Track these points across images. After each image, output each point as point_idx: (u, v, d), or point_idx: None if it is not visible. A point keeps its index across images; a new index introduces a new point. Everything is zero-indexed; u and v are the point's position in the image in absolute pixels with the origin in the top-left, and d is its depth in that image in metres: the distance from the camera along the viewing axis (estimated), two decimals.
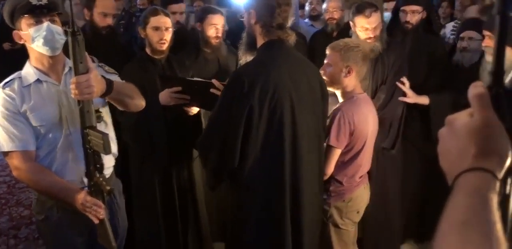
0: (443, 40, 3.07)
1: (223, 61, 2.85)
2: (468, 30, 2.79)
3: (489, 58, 2.39)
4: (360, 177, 2.25)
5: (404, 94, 2.72)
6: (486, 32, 2.40)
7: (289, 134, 1.82)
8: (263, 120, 1.77)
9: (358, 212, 2.27)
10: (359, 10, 2.63)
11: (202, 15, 2.78)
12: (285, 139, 1.82)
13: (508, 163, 0.59)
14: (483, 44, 2.42)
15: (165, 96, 2.31)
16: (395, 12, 2.98)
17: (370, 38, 2.65)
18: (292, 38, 1.88)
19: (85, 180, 1.75)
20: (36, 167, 1.76)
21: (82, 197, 1.69)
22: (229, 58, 2.88)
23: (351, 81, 2.17)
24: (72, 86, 1.53)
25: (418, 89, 2.77)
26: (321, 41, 3.57)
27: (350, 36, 2.84)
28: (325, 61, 2.21)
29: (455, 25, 4.08)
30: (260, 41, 1.87)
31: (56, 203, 1.81)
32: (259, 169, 1.83)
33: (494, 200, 0.55)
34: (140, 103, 1.91)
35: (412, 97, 2.72)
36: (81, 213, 1.70)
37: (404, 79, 2.71)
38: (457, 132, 0.62)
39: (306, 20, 4.40)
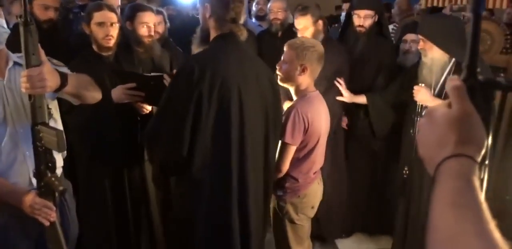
0: (392, 43, 3.22)
1: (157, 61, 2.73)
2: (410, 33, 2.98)
3: (425, 59, 2.54)
4: (314, 173, 2.31)
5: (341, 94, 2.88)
6: (420, 36, 2.54)
7: (237, 125, 1.84)
8: (212, 108, 1.78)
9: (312, 208, 2.32)
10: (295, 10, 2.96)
11: (131, 13, 2.61)
12: (232, 129, 1.84)
13: (484, 149, 0.64)
14: (419, 47, 2.56)
15: (118, 92, 2.22)
16: (348, 14, 3.09)
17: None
18: (244, 33, 1.93)
19: (34, 180, 1.64)
20: None
21: (30, 199, 1.59)
22: (163, 57, 2.78)
23: (305, 79, 2.21)
24: (23, 79, 1.44)
25: (367, 89, 2.94)
26: (266, 41, 3.65)
27: (294, 37, 2.93)
28: (282, 58, 2.24)
29: (394, 27, 4.31)
30: (213, 34, 1.91)
31: (1, 207, 1.68)
32: (207, 159, 1.83)
33: (477, 183, 0.59)
34: (97, 94, 1.83)
35: (348, 97, 2.88)
36: (29, 217, 1.60)
37: (341, 80, 2.87)
38: (437, 122, 0.66)
39: (253, 20, 4.44)
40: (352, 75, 2.99)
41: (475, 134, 0.64)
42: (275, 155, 2.11)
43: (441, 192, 0.60)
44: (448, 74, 2.49)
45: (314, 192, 2.32)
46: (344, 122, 3.10)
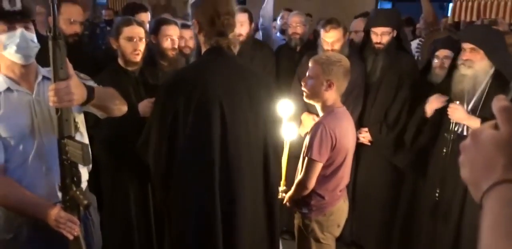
0: (413, 57, 3.18)
1: None
2: (443, 48, 2.88)
3: (467, 71, 2.45)
4: (340, 191, 2.26)
5: None
6: (468, 45, 2.44)
7: (218, 140, 1.78)
8: (189, 122, 1.76)
9: (338, 226, 2.26)
10: (323, 25, 3.02)
11: (156, 27, 2.68)
12: (213, 145, 1.78)
13: None
14: (464, 58, 2.46)
15: (145, 106, 2.23)
16: (367, 32, 3.07)
17: (329, 51, 2.91)
18: (235, 46, 1.91)
19: (59, 194, 1.64)
20: (4, 181, 1.64)
21: (55, 212, 1.59)
22: None
23: (332, 95, 2.17)
24: (51, 93, 1.45)
25: (389, 105, 2.94)
26: (285, 55, 3.65)
27: (314, 51, 3.03)
28: (307, 74, 2.21)
29: (420, 42, 4.25)
30: (203, 49, 1.91)
31: (26, 220, 1.68)
32: (189, 175, 1.79)
33: None
34: (123, 107, 1.85)
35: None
36: (53, 230, 1.59)
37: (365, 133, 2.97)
38: (484, 144, 0.62)
39: (278, 34, 4.45)
40: (375, 91, 2.98)
41: None
42: (276, 172, 2.02)
43: (492, 221, 0.56)
44: (486, 87, 2.42)
45: (341, 210, 2.27)
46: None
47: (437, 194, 2.57)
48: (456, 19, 4.32)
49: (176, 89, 1.79)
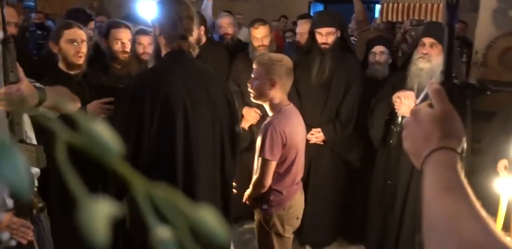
0: (357, 56, 3.34)
1: None
2: (378, 45, 3.11)
3: (426, 65, 2.60)
4: (297, 184, 2.35)
5: None
6: (431, 40, 2.60)
7: (182, 143, 1.82)
8: (153, 127, 1.77)
9: (297, 218, 2.35)
10: (251, 24, 3.37)
11: (106, 30, 2.71)
12: (177, 148, 1.81)
13: (464, 142, 0.73)
14: (424, 51, 2.61)
15: (96, 107, 2.21)
16: (311, 33, 3.16)
17: (260, 46, 3.27)
18: (195, 49, 1.95)
19: (8, 201, 1.60)
20: None
21: (7, 219, 1.55)
22: None
23: (277, 94, 2.24)
24: (1, 97, 1.42)
25: (339, 103, 3.06)
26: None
27: (245, 50, 3.26)
28: (252, 75, 2.28)
29: (353, 42, 4.50)
30: (163, 52, 1.93)
31: None
32: (151, 176, 1.81)
33: (461, 171, 0.68)
34: (77, 104, 1.84)
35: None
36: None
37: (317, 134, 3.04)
38: (422, 120, 0.76)
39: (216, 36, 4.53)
40: (326, 91, 3.08)
41: (456, 129, 0.73)
42: (233, 171, 2.08)
43: (432, 180, 0.68)
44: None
45: (298, 202, 2.36)
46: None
47: (388, 182, 2.75)
48: (384, 20, 4.62)
49: (140, 92, 1.77)
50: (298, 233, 3.06)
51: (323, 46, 3.04)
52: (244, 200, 2.32)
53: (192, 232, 0.27)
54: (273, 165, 2.19)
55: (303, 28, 3.76)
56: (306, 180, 3.06)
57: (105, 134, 0.28)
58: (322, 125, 3.06)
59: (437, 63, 2.55)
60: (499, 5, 3.71)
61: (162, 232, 0.28)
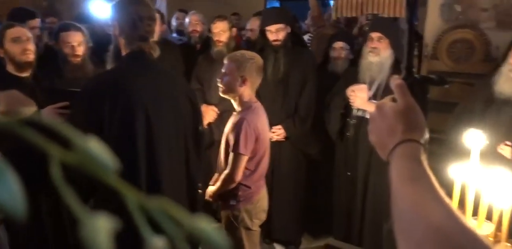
0: (311, 50, 3.40)
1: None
2: (338, 41, 3.19)
3: (375, 58, 2.68)
4: (263, 178, 2.41)
5: None
6: (377, 34, 2.68)
7: (144, 148, 1.79)
8: (113, 132, 1.74)
9: (264, 211, 2.41)
10: (212, 22, 3.42)
11: (56, 33, 2.66)
12: (139, 153, 1.78)
13: (426, 134, 0.78)
14: (372, 45, 2.69)
15: (51, 112, 2.15)
16: (263, 32, 3.18)
17: (217, 41, 3.35)
18: (156, 51, 1.92)
19: None
20: None
21: None
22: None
23: (246, 90, 2.29)
24: None
25: (298, 99, 3.08)
26: (184, 54, 3.72)
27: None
28: (222, 70, 2.30)
29: (309, 38, 4.58)
30: (123, 52, 1.90)
31: None
32: None
33: (425, 161, 0.72)
34: (32, 107, 1.78)
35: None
36: None
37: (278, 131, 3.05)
38: (386, 114, 0.80)
39: (175, 34, 4.48)
40: (284, 87, 3.11)
41: (418, 122, 0.78)
42: (198, 170, 2.07)
43: (398, 171, 0.72)
44: (387, 74, 2.68)
45: (265, 196, 2.42)
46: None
47: (348, 173, 2.85)
48: (338, 15, 4.71)
49: (99, 94, 1.74)
50: (266, 231, 3.11)
51: (274, 43, 3.06)
52: (207, 197, 2.33)
53: (189, 241, 0.28)
54: (245, 159, 2.23)
55: (253, 24, 3.81)
56: (269, 177, 3.11)
57: (99, 151, 0.29)
58: (282, 122, 3.10)
59: (386, 56, 2.66)
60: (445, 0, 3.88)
61: (157, 243, 0.29)
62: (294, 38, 3.17)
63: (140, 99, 1.79)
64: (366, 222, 2.78)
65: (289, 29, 3.10)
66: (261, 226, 2.47)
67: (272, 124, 3.03)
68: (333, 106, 2.91)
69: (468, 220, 1.58)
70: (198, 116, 2.08)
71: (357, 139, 2.75)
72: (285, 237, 3.30)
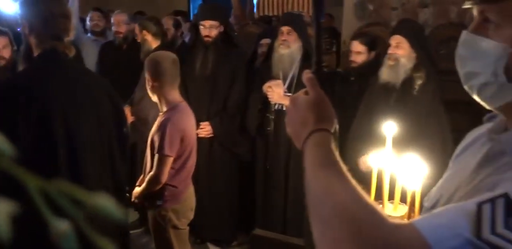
0: (242, 50, 3.43)
1: None
2: (266, 37, 3.27)
3: (283, 50, 2.85)
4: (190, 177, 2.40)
5: None
6: (285, 27, 2.88)
7: (64, 151, 1.70)
8: (28, 136, 1.64)
9: (192, 209, 2.41)
10: None
11: None
12: (59, 158, 1.69)
13: (336, 124, 0.84)
14: (282, 38, 2.85)
15: None
16: (195, 26, 3.17)
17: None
18: (71, 50, 1.84)
19: None
20: None
21: None
22: None
23: (167, 91, 2.28)
24: None
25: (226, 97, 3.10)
26: (109, 54, 3.62)
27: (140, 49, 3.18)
28: (146, 76, 2.31)
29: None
30: (35, 51, 1.78)
31: None
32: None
33: (334, 148, 0.78)
34: None
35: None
36: None
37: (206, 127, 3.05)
38: (299, 106, 0.85)
39: (89, 34, 4.34)
40: (212, 84, 3.10)
41: (328, 113, 0.83)
42: (123, 173, 2.01)
43: (310, 158, 0.77)
44: (298, 66, 2.82)
45: (191, 194, 2.42)
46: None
47: (267, 167, 2.93)
48: (261, 14, 4.82)
49: (12, 98, 1.61)
50: (198, 231, 3.10)
51: (206, 38, 3.06)
52: (133, 199, 2.29)
53: (91, 220, 0.29)
54: (170, 161, 2.22)
55: (168, 23, 3.83)
56: (199, 175, 3.11)
57: None
58: (210, 119, 3.10)
59: (296, 49, 2.82)
60: None
61: (60, 225, 0.30)
62: (226, 37, 3.16)
63: (56, 102, 1.68)
64: (288, 211, 2.88)
65: (222, 29, 3.10)
66: (192, 226, 2.47)
67: (200, 121, 3.04)
68: (251, 102, 2.99)
69: (385, 203, 1.70)
70: (121, 118, 2.01)
71: (277, 133, 2.86)
72: (218, 235, 3.29)
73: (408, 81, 2.59)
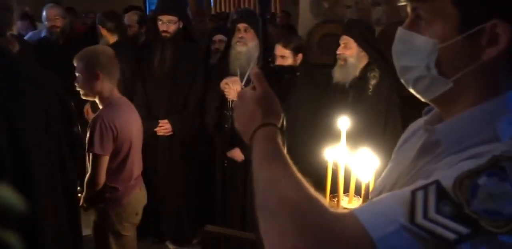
0: (201, 46, 3.38)
1: None
2: (218, 34, 3.27)
3: (241, 48, 2.82)
4: (135, 179, 2.28)
5: None
6: (242, 25, 2.85)
7: (9, 155, 1.58)
8: None
9: (137, 214, 2.30)
10: None
11: None
12: (4, 158, 1.57)
13: (282, 118, 0.86)
14: (239, 36, 2.82)
15: None
16: (153, 19, 3.09)
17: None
18: (15, 46, 1.77)
19: None
20: None
21: None
22: None
23: (105, 86, 2.17)
24: None
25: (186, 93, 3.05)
26: (46, 50, 3.49)
27: (83, 44, 2.94)
28: (76, 74, 2.17)
29: None
30: None
31: None
32: None
33: (280, 142, 0.80)
34: None
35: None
36: None
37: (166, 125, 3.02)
38: (247, 102, 0.86)
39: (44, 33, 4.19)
40: (172, 81, 3.04)
41: (275, 108, 0.85)
42: (74, 174, 1.93)
43: (257, 152, 0.78)
44: (256, 63, 2.81)
45: (137, 198, 2.30)
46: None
47: (225, 164, 2.93)
48: (218, 10, 4.81)
49: None
50: (156, 230, 3.06)
51: (164, 34, 2.98)
52: (81, 203, 2.15)
53: None
54: (105, 160, 2.11)
55: (129, 20, 3.76)
56: (157, 174, 3.04)
57: None
58: (169, 116, 3.04)
59: (253, 46, 2.80)
60: None
61: None
62: (185, 33, 3.10)
63: (1, 103, 1.56)
64: (247, 209, 2.87)
65: (181, 24, 3.03)
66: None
67: (159, 118, 3.00)
68: (208, 99, 2.97)
69: (341, 196, 1.75)
70: (71, 117, 1.92)
71: (235, 130, 2.84)
72: (177, 234, 3.24)
73: (362, 81, 2.64)
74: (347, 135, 1.78)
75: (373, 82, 2.61)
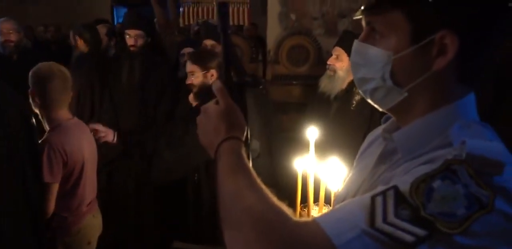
0: (169, 60, 3.36)
1: None
2: (186, 47, 3.22)
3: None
4: (88, 205, 2.18)
5: None
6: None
7: None
8: None
9: (89, 243, 2.18)
10: None
11: None
12: None
13: (245, 131, 0.87)
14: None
15: None
16: (121, 34, 3.06)
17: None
18: None
19: None
20: None
21: None
22: None
23: (52, 109, 2.07)
24: None
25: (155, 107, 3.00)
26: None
27: (35, 60, 2.82)
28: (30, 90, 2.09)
29: None
30: None
31: None
32: None
33: (245, 155, 0.81)
34: None
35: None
36: None
37: None
38: (210, 116, 0.87)
39: None
40: (140, 95, 3.00)
41: (238, 121, 0.86)
42: (38, 198, 1.86)
43: (222, 165, 0.79)
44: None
45: (90, 226, 2.18)
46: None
47: (196, 178, 2.89)
48: (186, 23, 4.81)
49: None
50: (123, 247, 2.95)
51: (132, 48, 2.94)
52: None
53: None
54: (55, 187, 2.01)
55: (100, 32, 3.73)
56: (126, 192, 2.96)
57: None
58: (140, 131, 2.97)
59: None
60: (282, 8, 4.24)
61: None
62: (154, 47, 3.07)
63: None
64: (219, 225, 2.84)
65: (149, 40, 2.99)
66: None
67: (128, 131, 2.94)
68: (177, 113, 2.96)
69: (311, 205, 1.76)
70: (33, 133, 1.85)
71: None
72: None
73: (347, 95, 2.63)
74: (325, 145, 1.79)
75: (357, 97, 2.60)
